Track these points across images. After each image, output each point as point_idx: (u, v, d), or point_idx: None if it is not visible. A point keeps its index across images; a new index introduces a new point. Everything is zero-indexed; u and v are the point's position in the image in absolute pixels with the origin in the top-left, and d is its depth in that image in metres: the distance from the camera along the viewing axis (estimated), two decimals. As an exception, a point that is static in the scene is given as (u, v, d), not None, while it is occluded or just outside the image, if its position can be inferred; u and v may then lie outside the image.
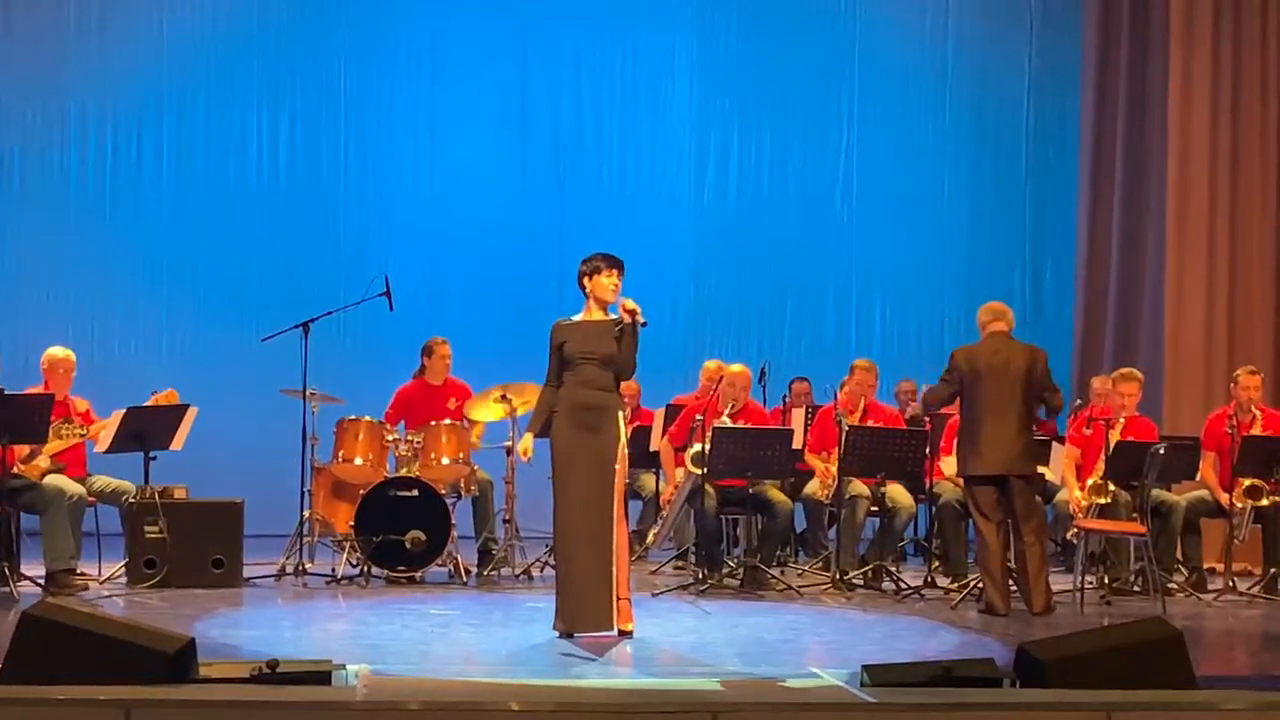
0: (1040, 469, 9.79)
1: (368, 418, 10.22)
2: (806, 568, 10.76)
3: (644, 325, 7.92)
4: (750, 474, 9.80)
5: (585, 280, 8.04)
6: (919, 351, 14.01)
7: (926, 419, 10.86)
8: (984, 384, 9.04)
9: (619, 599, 7.83)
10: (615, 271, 7.99)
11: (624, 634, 7.84)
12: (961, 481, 10.11)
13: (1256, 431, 10.23)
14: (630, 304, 7.91)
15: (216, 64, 13.60)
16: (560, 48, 14.03)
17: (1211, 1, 12.58)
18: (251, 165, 13.68)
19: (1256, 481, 10.08)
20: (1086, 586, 9.59)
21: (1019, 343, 9.31)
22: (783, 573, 10.38)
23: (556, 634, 7.86)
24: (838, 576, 9.93)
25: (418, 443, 10.14)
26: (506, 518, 10.23)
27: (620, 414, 7.99)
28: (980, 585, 9.21)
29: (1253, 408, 10.39)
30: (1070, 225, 13.66)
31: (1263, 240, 12.58)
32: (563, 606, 7.87)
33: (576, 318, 8.06)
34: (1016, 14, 14.36)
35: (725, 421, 9.99)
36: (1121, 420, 10.17)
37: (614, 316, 8.01)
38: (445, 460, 10.14)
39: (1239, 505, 10.11)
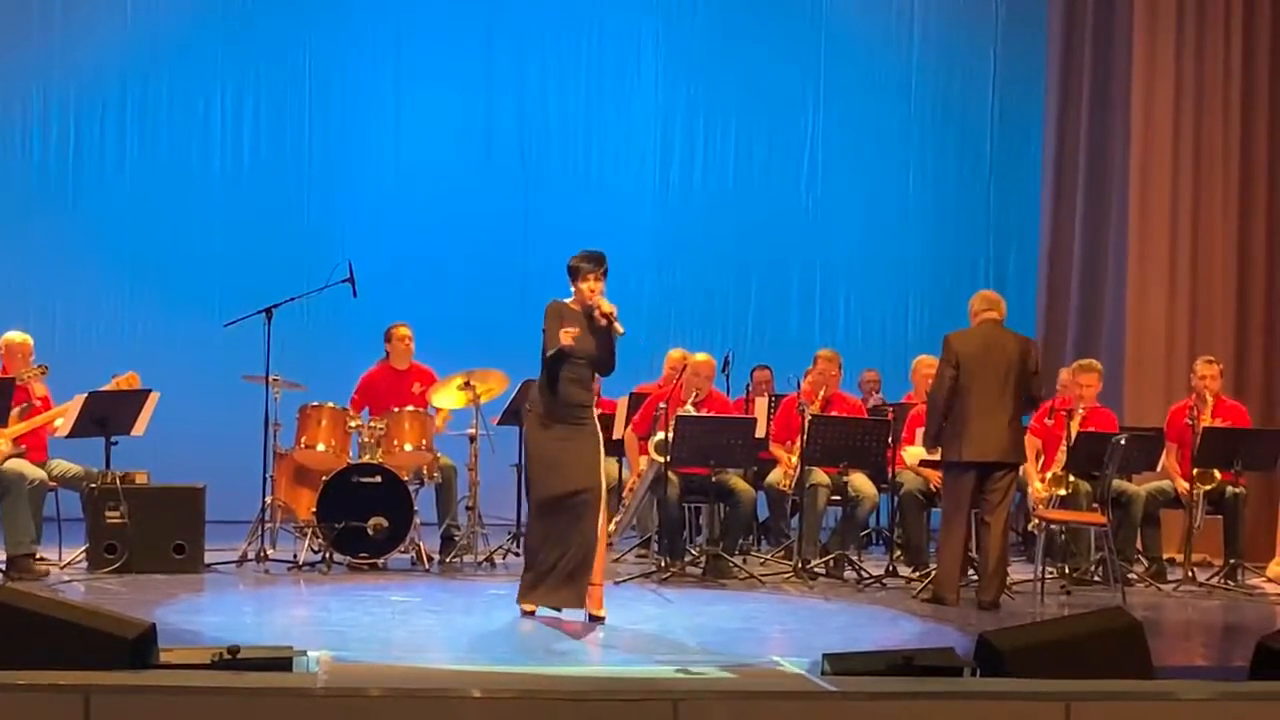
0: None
1: (330, 404, 10.21)
2: (769, 556, 10.78)
3: (620, 335, 8.06)
4: (713, 462, 9.82)
5: (570, 278, 8.12)
6: (883, 341, 14.04)
7: (889, 409, 10.88)
8: (975, 371, 9.01)
9: (592, 584, 8.01)
10: (594, 276, 8.05)
11: (596, 619, 7.98)
12: (924, 470, 10.14)
13: (1207, 419, 10.29)
14: (607, 307, 8.01)
15: (180, 50, 13.49)
16: (526, 34, 13.97)
17: (1175, -5, 12.65)
18: (215, 151, 13.59)
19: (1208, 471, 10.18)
20: (1047, 576, 9.64)
21: (1010, 332, 9.29)
22: (745, 561, 10.40)
23: (522, 610, 8.02)
24: (800, 565, 9.96)
25: (380, 429, 10.12)
26: (469, 504, 10.22)
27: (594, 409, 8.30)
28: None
29: (1208, 395, 10.44)
30: (1034, 217, 13.68)
31: (1225, 231, 12.61)
32: (539, 585, 8.01)
33: (570, 302, 8.13)
34: (982, 6, 14.37)
35: (689, 410, 10.01)
36: (1081, 411, 10.21)
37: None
38: (408, 447, 10.13)
39: (1194, 492, 10.19)
